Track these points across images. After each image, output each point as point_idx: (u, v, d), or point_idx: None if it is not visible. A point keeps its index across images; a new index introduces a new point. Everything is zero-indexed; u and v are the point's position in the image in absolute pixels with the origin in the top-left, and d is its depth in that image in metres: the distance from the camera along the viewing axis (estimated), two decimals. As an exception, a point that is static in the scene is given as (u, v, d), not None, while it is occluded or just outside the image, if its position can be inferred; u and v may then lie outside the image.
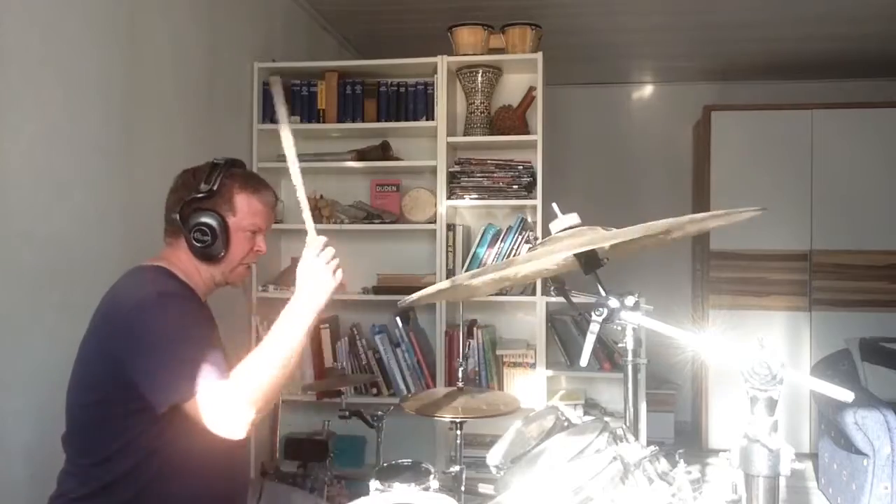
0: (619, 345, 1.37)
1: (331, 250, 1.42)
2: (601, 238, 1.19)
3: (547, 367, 3.11)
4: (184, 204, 1.52)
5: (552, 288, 1.88)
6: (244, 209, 1.57)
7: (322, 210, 3.30)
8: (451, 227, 3.19)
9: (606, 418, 1.35)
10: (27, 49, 1.93)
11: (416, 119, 3.25)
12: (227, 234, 1.54)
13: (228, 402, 1.32)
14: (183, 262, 1.56)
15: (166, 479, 1.43)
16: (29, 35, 1.93)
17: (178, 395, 1.32)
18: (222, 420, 1.32)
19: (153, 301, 1.41)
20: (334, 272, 1.42)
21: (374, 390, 3.24)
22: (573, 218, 1.34)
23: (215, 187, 1.53)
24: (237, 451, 1.61)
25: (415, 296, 1.34)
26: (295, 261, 3.76)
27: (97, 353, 1.44)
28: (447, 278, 3.17)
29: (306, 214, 1.42)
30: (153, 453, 1.42)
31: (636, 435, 1.29)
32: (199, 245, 1.52)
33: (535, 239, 3.10)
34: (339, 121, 3.30)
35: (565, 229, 1.32)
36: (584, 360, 1.27)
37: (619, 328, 1.31)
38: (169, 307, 1.42)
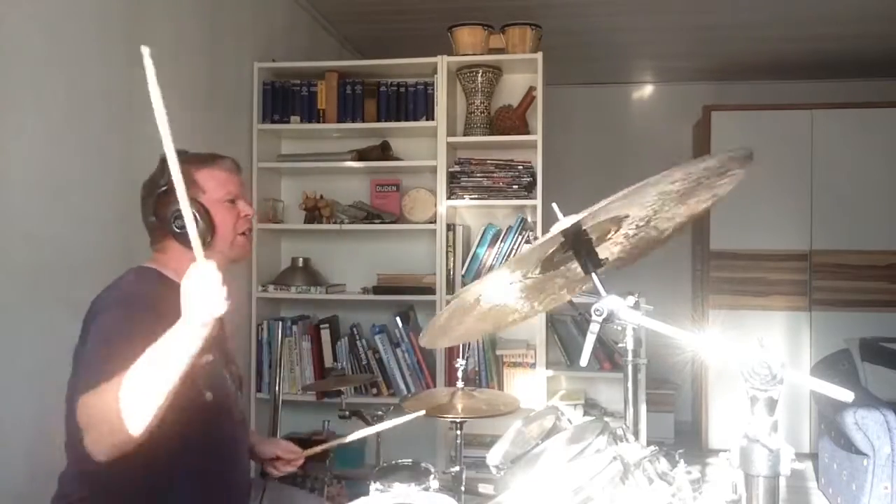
0: (619, 345, 1.37)
1: (218, 276, 1.16)
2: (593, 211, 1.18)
3: (547, 367, 3.11)
4: (155, 204, 1.51)
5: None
6: (210, 183, 1.55)
7: (322, 210, 3.30)
8: (451, 227, 3.19)
9: (606, 418, 1.35)
10: (28, 49, 1.93)
11: (416, 119, 3.25)
12: (206, 212, 1.51)
13: (91, 414, 1.18)
14: (177, 263, 1.53)
15: (169, 480, 1.43)
16: (30, 35, 1.93)
17: (72, 392, 1.26)
18: (87, 434, 1.18)
19: (112, 302, 1.40)
20: (219, 296, 1.16)
21: (374, 390, 3.24)
22: (573, 219, 1.33)
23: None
24: (239, 453, 1.61)
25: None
26: (295, 261, 3.76)
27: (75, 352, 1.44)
28: (447, 278, 3.16)
29: (192, 230, 1.17)
30: (154, 457, 1.41)
31: (636, 435, 1.29)
32: (182, 231, 1.48)
33: (535, 239, 3.10)
34: (339, 121, 3.30)
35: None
36: (584, 360, 1.27)
37: (619, 328, 1.31)
38: (122, 310, 1.38)
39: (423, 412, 1.85)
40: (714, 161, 1.15)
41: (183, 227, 1.44)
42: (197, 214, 1.48)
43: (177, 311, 1.26)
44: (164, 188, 1.50)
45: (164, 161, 1.52)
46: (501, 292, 1.33)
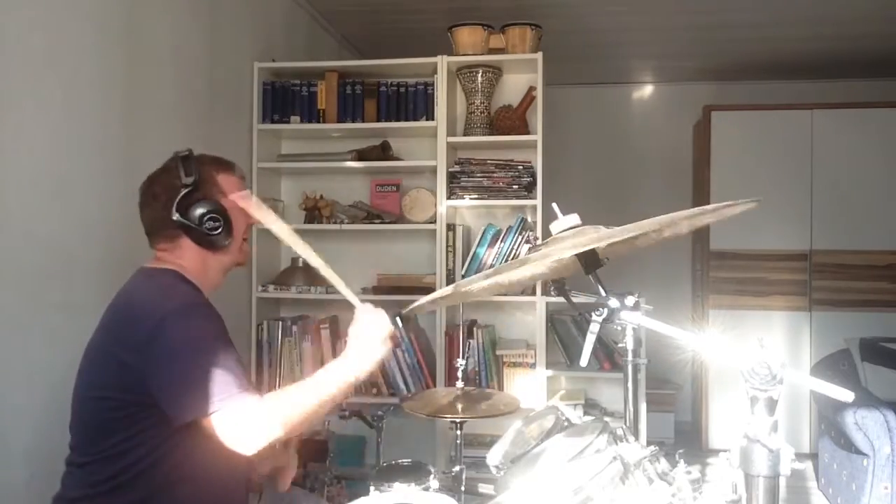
0: (619, 345, 1.37)
1: (381, 312, 1.42)
2: (594, 239, 1.19)
3: (547, 367, 3.11)
4: (178, 202, 1.50)
5: (552, 288, 1.88)
6: (230, 187, 1.56)
7: (322, 210, 3.30)
8: (451, 227, 3.19)
9: (606, 418, 1.35)
10: (28, 50, 1.93)
11: (416, 119, 3.25)
12: (228, 216, 1.54)
13: (250, 416, 1.31)
14: (188, 262, 1.54)
15: (173, 483, 1.43)
16: (30, 36, 1.93)
17: (197, 412, 1.31)
18: (240, 434, 1.30)
19: (178, 313, 1.39)
20: (385, 343, 1.41)
21: (374, 390, 3.23)
22: (574, 218, 1.34)
23: (197, 176, 1.51)
24: (242, 458, 1.61)
25: (417, 303, 1.35)
26: (295, 261, 3.75)
27: (110, 358, 1.42)
28: (447, 278, 3.17)
29: (341, 287, 1.44)
30: (160, 456, 1.41)
31: (636, 435, 1.29)
32: (213, 235, 1.51)
33: (536, 239, 3.10)
34: (339, 121, 3.30)
35: (566, 230, 1.32)
36: (584, 360, 1.27)
37: (619, 328, 1.31)
38: (193, 319, 1.40)
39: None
40: (725, 211, 1.15)
41: (215, 228, 1.51)
42: (219, 215, 1.52)
43: (218, 316, 1.46)
44: (190, 188, 1.50)
45: (185, 159, 1.52)
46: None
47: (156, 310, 1.39)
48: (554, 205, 1.39)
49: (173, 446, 1.40)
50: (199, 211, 1.50)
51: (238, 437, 1.30)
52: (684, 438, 4.59)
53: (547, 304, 3.12)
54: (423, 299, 1.36)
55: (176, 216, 1.50)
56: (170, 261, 1.54)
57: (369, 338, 1.40)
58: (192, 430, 1.34)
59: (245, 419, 1.31)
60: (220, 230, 1.52)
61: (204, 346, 1.36)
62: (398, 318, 3.46)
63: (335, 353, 3.26)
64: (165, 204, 1.51)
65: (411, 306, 1.35)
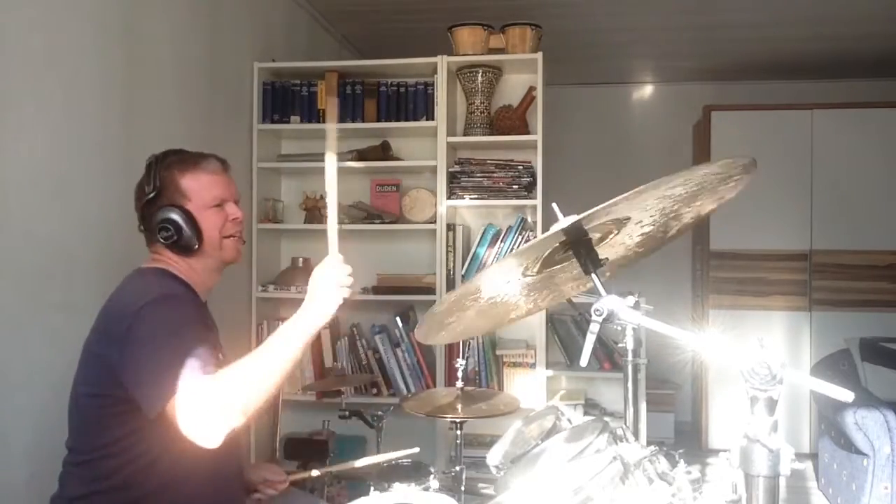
0: (619, 345, 1.37)
1: (348, 268, 1.39)
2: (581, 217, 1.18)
3: (547, 367, 3.11)
4: (142, 212, 1.53)
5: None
6: (195, 188, 1.54)
7: (322, 210, 3.29)
8: (451, 227, 3.19)
9: (606, 418, 1.35)
10: (28, 50, 1.93)
11: (416, 119, 3.25)
12: (192, 220, 1.52)
13: (206, 401, 1.24)
14: (176, 264, 1.55)
15: (170, 480, 1.43)
16: (30, 36, 1.93)
17: (162, 402, 1.27)
18: (197, 421, 1.23)
19: (152, 304, 1.39)
20: (341, 290, 1.38)
21: (374, 390, 3.23)
22: (573, 219, 1.33)
23: (157, 183, 1.51)
24: (234, 449, 1.61)
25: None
26: (295, 261, 3.75)
27: (95, 355, 1.44)
28: (447, 278, 3.16)
29: (332, 232, 1.39)
30: (156, 454, 1.41)
31: (636, 435, 1.29)
32: (169, 242, 1.50)
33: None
34: (340, 121, 3.29)
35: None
36: (584, 360, 1.27)
37: (619, 328, 1.31)
38: (165, 309, 1.40)
39: (416, 450, 1.94)
40: (715, 167, 1.15)
41: (168, 237, 1.50)
42: (181, 220, 1.50)
43: (196, 310, 1.45)
44: (150, 195, 1.51)
45: (148, 166, 1.53)
46: (503, 287, 1.33)
47: (133, 305, 1.40)
48: (554, 205, 1.39)
49: (169, 443, 1.40)
50: (156, 219, 1.51)
51: (193, 424, 1.24)
52: (684, 438, 4.59)
53: (547, 304, 3.11)
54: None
55: (140, 225, 1.54)
56: (161, 262, 1.55)
57: (326, 283, 1.37)
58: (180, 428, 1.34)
59: (200, 405, 1.24)
60: (174, 239, 1.50)
61: (172, 336, 1.34)
62: (398, 318, 3.46)
63: (335, 354, 3.27)
64: (139, 213, 1.55)
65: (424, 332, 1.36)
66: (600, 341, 2.49)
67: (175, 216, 1.50)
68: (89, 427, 1.44)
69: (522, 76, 3.34)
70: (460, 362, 2.17)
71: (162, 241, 1.50)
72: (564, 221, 1.15)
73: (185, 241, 1.51)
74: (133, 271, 1.55)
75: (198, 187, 1.54)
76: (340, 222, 1.40)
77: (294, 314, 1.38)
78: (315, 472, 1.87)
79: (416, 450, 1.92)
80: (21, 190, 1.91)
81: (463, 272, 3.18)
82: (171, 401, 1.26)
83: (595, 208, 1.10)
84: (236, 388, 1.27)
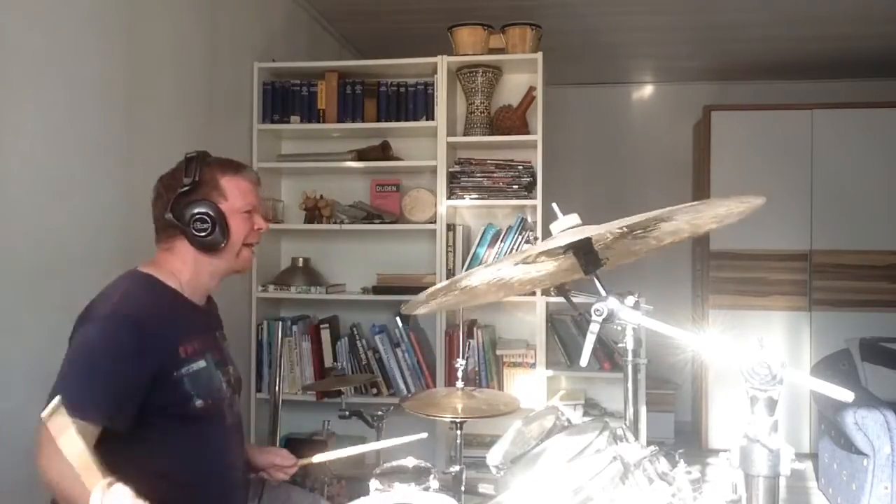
0: (619, 345, 1.37)
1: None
2: (594, 230, 1.18)
3: (547, 367, 3.11)
4: (173, 202, 1.51)
5: (552, 288, 1.88)
6: (233, 191, 1.56)
7: (322, 210, 3.29)
8: (451, 227, 3.19)
9: (606, 418, 1.35)
10: (28, 49, 1.93)
11: (416, 119, 3.25)
12: (224, 219, 1.53)
13: (41, 434, 1.28)
14: (182, 264, 1.55)
15: (160, 480, 1.43)
16: (30, 35, 1.93)
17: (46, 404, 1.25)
18: (35, 440, 1.30)
19: (100, 319, 1.41)
20: None
21: (374, 390, 3.23)
22: (574, 218, 1.34)
23: (197, 177, 1.51)
24: (231, 456, 1.61)
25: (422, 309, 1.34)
26: (295, 261, 3.73)
27: None
28: (447, 278, 3.17)
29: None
30: (150, 455, 1.41)
31: (636, 435, 1.29)
32: (201, 236, 1.51)
33: (535, 239, 3.10)
34: (339, 121, 3.30)
35: (566, 230, 1.32)
36: (584, 360, 1.27)
37: (619, 328, 1.31)
38: (105, 329, 1.40)
39: (424, 435, 1.94)
40: (722, 209, 1.15)
41: (203, 229, 1.49)
42: (211, 217, 1.51)
43: (169, 318, 1.44)
44: (186, 188, 1.51)
45: (189, 160, 1.53)
46: (494, 274, 1.33)
47: (92, 310, 1.44)
48: (554, 205, 1.39)
49: (160, 444, 1.41)
50: (191, 211, 1.51)
51: (34, 442, 1.31)
52: (684, 438, 4.59)
53: (547, 304, 3.12)
54: (423, 294, 1.36)
55: (169, 215, 1.51)
56: (160, 262, 1.55)
57: None
58: (173, 434, 1.34)
59: (40, 439, 1.30)
60: (208, 232, 1.51)
61: (87, 356, 1.38)
62: (398, 318, 3.47)
63: (335, 354, 3.27)
64: (166, 202, 1.53)
65: (410, 304, 1.35)
66: (600, 341, 2.49)
67: (212, 211, 1.51)
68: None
69: (522, 76, 3.34)
70: (460, 362, 2.17)
71: (195, 232, 1.50)
72: (569, 235, 1.15)
73: (214, 239, 1.52)
74: (125, 272, 1.55)
75: (236, 190, 1.56)
76: (340, 222, 1.40)
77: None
78: (321, 458, 1.86)
79: (425, 435, 1.91)
80: (21, 190, 1.91)
81: (462, 273, 3.17)
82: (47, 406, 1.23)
83: (597, 230, 1.10)
84: (53, 467, 1.27)
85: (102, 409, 1.34)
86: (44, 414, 1.13)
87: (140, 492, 1.40)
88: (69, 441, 1.14)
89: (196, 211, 1.51)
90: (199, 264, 1.56)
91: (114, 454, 1.41)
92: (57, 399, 1.14)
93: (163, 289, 1.52)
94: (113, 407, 1.35)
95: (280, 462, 1.76)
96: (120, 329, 1.40)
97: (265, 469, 1.75)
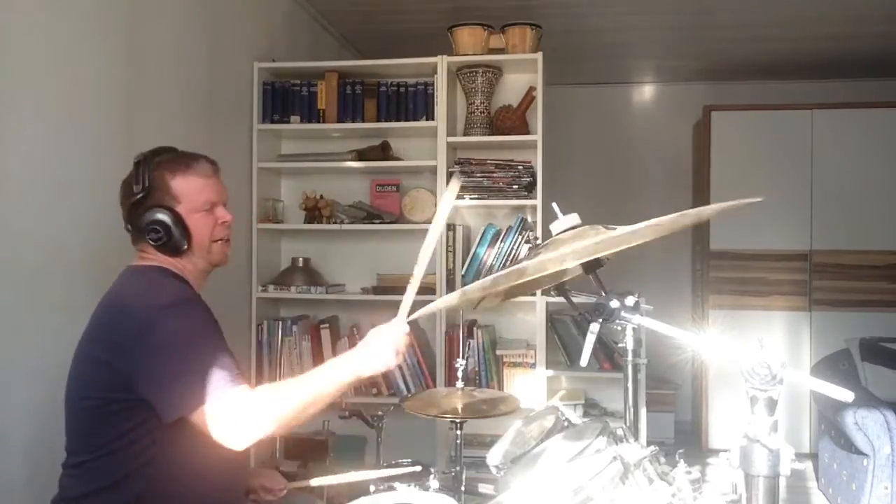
0: (619, 345, 1.38)
1: (407, 340, 1.46)
2: (608, 242, 1.18)
3: (547, 367, 3.11)
4: (128, 212, 1.51)
5: (552, 288, 1.88)
6: (186, 191, 1.51)
7: (322, 210, 3.29)
8: (451, 227, 3.19)
9: (606, 418, 1.35)
10: (28, 49, 1.93)
11: (416, 119, 3.25)
12: (181, 222, 1.50)
13: (240, 410, 1.30)
14: (169, 260, 1.54)
15: (169, 479, 1.43)
16: (30, 35, 1.93)
17: (186, 408, 1.31)
18: (230, 428, 1.30)
19: (168, 309, 1.39)
20: (397, 356, 1.42)
21: (374, 390, 3.23)
22: (573, 218, 1.34)
23: (147, 183, 1.49)
24: (232, 453, 1.61)
25: (422, 311, 1.39)
26: (295, 261, 3.74)
27: (97, 359, 1.42)
28: (447, 278, 3.17)
29: (408, 300, 1.52)
30: (155, 453, 1.41)
31: (636, 435, 1.29)
32: (159, 244, 1.49)
33: (535, 239, 3.10)
34: (339, 121, 3.30)
35: (566, 230, 1.32)
36: (584, 360, 1.27)
37: (619, 328, 1.31)
38: (182, 316, 1.40)
39: (418, 468, 1.94)
40: (722, 207, 1.16)
41: (157, 238, 1.49)
42: (170, 222, 1.48)
43: (208, 311, 1.49)
44: (139, 195, 1.49)
45: (137, 165, 1.51)
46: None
47: (143, 308, 1.40)
48: (554, 205, 1.39)
49: (168, 442, 1.40)
50: (145, 220, 1.49)
51: (227, 430, 1.30)
52: (684, 438, 4.59)
53: (547, 304, 3.12)
54: (428, 308, 1.37)
55: (126, 225, 1.52)
56: (153, 259, 1.54)
57: (385, 342, 1.41)
58: (186, 425, 1.34)
59: (235, 413, 1.30)
60: (164, 241, 1.48)
61: (194, 343, 1.37)
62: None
63: (335, 354, 3.27)
64: (124, 210, 1.53)
65: (417, 313, 1.38)
66: (600, 341, 2.49)
67: (165, 218, 1.48)
68: (87, 429, 1.44)
69: (522, 76, 3.34)
70: (460, 362, 2.17)
71: (151, 242, 1.49)
72: (583, 253, 1.15)
73: (174, 243, 1.50)
74: (126, 269, 1.54)
75: (188, 190, 1.52)
76: (340, 222, 1.41)
77: (342, 356, 1.43)
78: (315, 482, 1.86)
79: (419, 468, 1.93)
80: (21, 190, 1.91)
81: (463, 272, 3.18)
82: (198, 409, 1.30)
83: (611, 238, 1.10)
84: (272, 402, 1.33)
85: (234, 370, 1.36)
86: (207, 413, 1.28)
87: (145, 487, 1.41)
88: (254, 402, 1.30)
89: (149, 219, 1.48)
90: (176, 265, 1.54)
91: (116, 453, 1.41)
92: (209, 397, 1.27)
93: (180, 278, 1.53)
94: (235, 366, 1.38)
95: (269, 484, 1.76)
96: (191, 308, 1.45)
97: (254, 491, 1.75)
